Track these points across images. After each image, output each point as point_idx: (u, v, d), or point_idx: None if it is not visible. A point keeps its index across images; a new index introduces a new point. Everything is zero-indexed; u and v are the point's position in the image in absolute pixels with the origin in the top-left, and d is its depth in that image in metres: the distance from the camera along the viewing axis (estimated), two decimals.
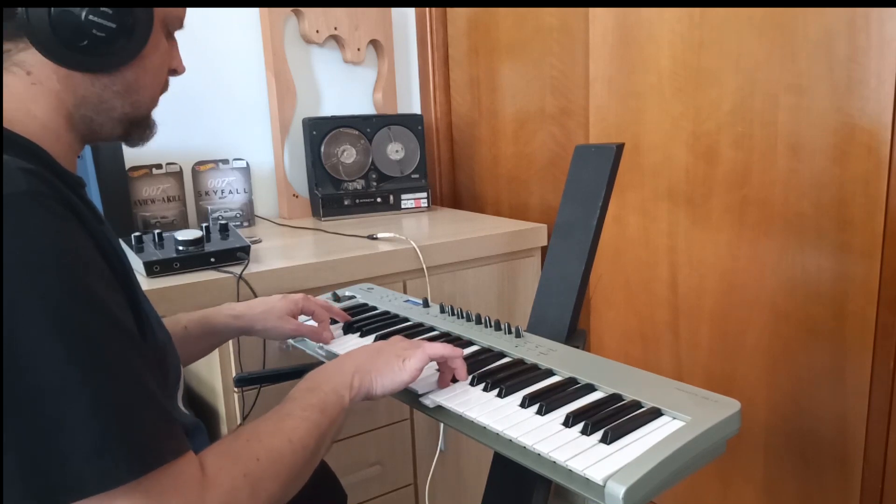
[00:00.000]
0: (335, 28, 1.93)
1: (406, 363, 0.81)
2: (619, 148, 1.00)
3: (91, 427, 0.52)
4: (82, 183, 0.70)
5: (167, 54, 0.73)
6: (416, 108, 2.20)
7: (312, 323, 1.07)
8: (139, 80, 0.69)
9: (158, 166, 1.66)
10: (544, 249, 1.66)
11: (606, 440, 0.68)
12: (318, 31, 1.91)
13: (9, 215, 0.53)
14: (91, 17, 0.62)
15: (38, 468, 0.52)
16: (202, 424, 0.82)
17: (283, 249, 1.53)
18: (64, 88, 0.65)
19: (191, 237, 1.31)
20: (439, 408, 0.81)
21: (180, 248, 1.29)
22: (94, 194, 1.47)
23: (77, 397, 0.52)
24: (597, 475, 0.63)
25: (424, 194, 1.97)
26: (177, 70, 0.76)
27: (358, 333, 1.05)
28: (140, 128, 0.74)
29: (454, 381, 0.85)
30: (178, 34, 0.76)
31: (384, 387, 0.80)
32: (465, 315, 1.03)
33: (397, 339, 0.87)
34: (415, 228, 1.72)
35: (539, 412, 0.75)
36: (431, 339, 0.98)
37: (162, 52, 0.71)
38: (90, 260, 0.58)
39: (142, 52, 0.67)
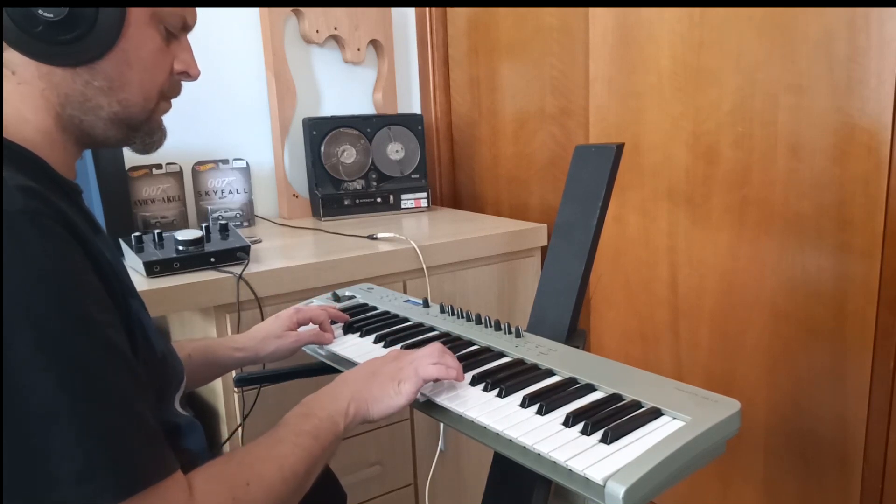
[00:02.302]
0: (335, 28, 1.93)
1: (401, 386, 0.80)
2: (619, 148, 1.00)
3: (77, 453, 0.53)
4: (79, 190, 0.70)
5: (163, 53, 0.70)
6: (416, 108, 2.20)
7: (313, 327, 1.07)
8: (123, 75, 0.66)
9: (158, 166, 1.66)
10: (544, 249, 1.67)
11: (606, 440, 0.68)
12: (318, 31, 1.91)
13: (4, 234, 0.52)
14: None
15: (25, 489, 0.52)
16: (198, 423, 0.82)
17: (283, 249, 1.53)
18: (48, 87, 0.64)
19: (191, 237, 1.31)
20: (439, 408, 0.81)
21: (180, 248, 1.29)
22: (94, 194, 1.47)
23: (65, 424, 0.53)
24: (597, 475, 0.63)
25: (424, 194, 1.97)
26: (188, 73, 0.73)
27: (358, 333, 1.05)
28: (140, 132, 0.71)
29: None
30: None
31: (380, 412, 0.79)
32: (465, 315, 1.03)
33: (392, 357, 0.85)
34: (415, 228, 1.72)
35: (539, 412, 0.75)
36: (431, 340, 0.98)
37: (153, 50, 0.68)
38: (85, 281, 0.57)
39: (119, 45, 0.64)
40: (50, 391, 0.52)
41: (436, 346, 0.85)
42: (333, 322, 1.10)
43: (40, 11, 0.60)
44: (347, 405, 0.77)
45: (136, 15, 0.66)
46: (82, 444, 0.53)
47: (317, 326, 1.06)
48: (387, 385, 0.80)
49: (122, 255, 1.36)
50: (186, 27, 0.73)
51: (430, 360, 0.82)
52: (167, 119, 0.75)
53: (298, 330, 1.05)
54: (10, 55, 0.62)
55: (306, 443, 0.72)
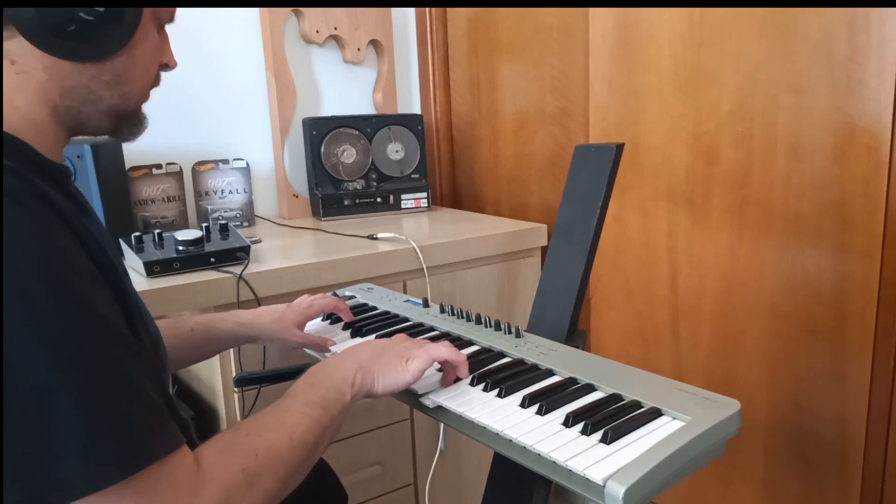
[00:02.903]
0: (335, 28, 1.93)
1: (409, 364, 0.81)
2: (619, 148, 1.00)
3: (77, 429, 0.52)
4: (67, 173, 0.69)
5: (157, 47, 0.71)
6: (416, 108, 2.20)
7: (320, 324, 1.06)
8: (129, 70, 0.67)
9: (158, 166, 1.66)
10: (544, 249, 1.66)
11: (606, 440, 0.68)
12: (318, 31, 1.90)
13: None
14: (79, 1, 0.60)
15: (28, 470, 0.51)
16: (190, 422, 0.82)
17: (283, 249, 1.53)
18: (49, 78, 0.63)
19: (191, 237, 1.31)
20: (439, 408, 0.81)
21: (180, 248, 1.29)
22: (94, 194, 1.47)
23: (62, 399, 0.52)
24: (597, 475, 0.63)
25: (424, 194, 1.97)
26: (168, 64, 0.74)
27: (358, 333, 1.05)
28: (129, 122, 0.72)
29: (457, 380, 0.85)
30: (174, 33, 0.75)
31: (386, 386, 0.80)
32: (465, 315, 1.03)
33: (401, 338, 0.86)
34: (415, 228, 1.72)
35: (539, 412, 0.75)
36: (432, 339, 0.98)
37: (152, 44, 0.70)
38: (71, 256, 0.57)
39: (131, 42, 0.66)
40: (43, 367, 0.52)
41: (445, 342, 0.87)
42: (335, 321, 1.10)
43: (81, 15, 0.60)
44: (354, 375, 0.78)
45: (145, 13, 0.67)
46: (81, 419, 0.52)
47: (321, 323, 1.07)
48: (395, 361, 0.81)
49: (120, 252, 1.36)
50: (171, 20, 0.74)
51: (442, 344, 0.84)
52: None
53: (307, 325, 1.05)
54: (11, 45, 0.61)
55: (315, 412, 0.71)
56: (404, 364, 0.81)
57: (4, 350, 0.51)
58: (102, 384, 0.54)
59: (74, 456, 0.52)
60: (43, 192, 0.57)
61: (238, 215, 1.80)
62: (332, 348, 1.02)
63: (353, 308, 1.16)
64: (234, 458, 0.63)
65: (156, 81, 0.74)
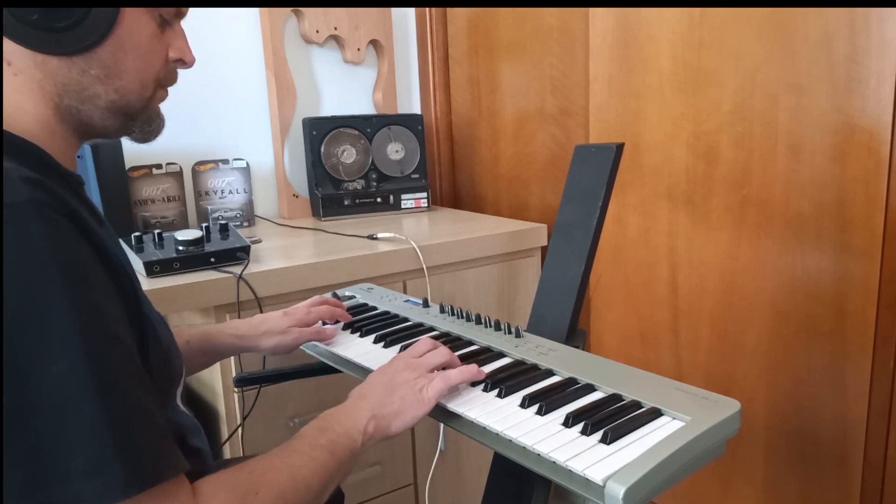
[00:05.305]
0: (335, 28, 1.93)
1: (424, 394, 0.78)
2: (619, 148, 1.00)
3: (90, 442, 0.52)
4: (82, 182, 0.69)
5: (158, 40, 0.69)
6: (416, 108, 2.20)
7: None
8: (119, 62, 0.65)
9: (158, 166, 1.66)
10: (544, 249, 1.66)
11: (606, 440, 0.68)
12: (318, 31, 1.91)
13: (10, 225, 0.52)
14: None
15: (37, 481, 0.52)
16: (200, 426, 0.82)
17: (283, 249, 1.53)
18: (44, 76, 0.63)
19: (191, 237, 1.31)
20: (439, 408, 0.81)
21: (180, 248, 1.29)
22: (94, 194, 1.47)
23: (76, 411, 0.52)
24: (597, 475, 0.63)
25: (424, 194, 1.97)
26: (183, 60, 0.72)
27: (358, 333, 1.05)
28: (138, 120, 0.70)
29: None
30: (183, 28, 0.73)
31: (404, 425, 0.78)
32: (465, 315, 1.03)
33: (402, 366, 0.82)
34: (415, 228, 1.72)
35: (539, 412, 0.75)
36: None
37: (149, 36, 0.67)
38: (91, 271, 0.57)
39: (114, 33, 0.63)
40: (58, 381, 0.52)
41: (442, 349, 0.85)
42: (336, 321, 1.10)
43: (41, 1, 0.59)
44: (367, 423, 0.76)
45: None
46: (95, 432, 0.53)
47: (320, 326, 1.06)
48: (408, 397, 0.78)
49: None
50: (180, 14, 0.71)
51: (441, 360, 0.83)
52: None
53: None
54: (5, 45, 0.61)
55: (321, 456, 0.70)
56: (420, 396, 0.78)
57: (19, 363, 0.51)
58: (115, 400, 0.55)
59: (84, 470, 0.52)
60: (70, 206, 0.57)
61: (238, 215, 1.80)
62: (334, 349, 1.02)
63: (352, 308, 1.16)
64: (232, 494, 0.62)
65: (169, 78, 0.73)
